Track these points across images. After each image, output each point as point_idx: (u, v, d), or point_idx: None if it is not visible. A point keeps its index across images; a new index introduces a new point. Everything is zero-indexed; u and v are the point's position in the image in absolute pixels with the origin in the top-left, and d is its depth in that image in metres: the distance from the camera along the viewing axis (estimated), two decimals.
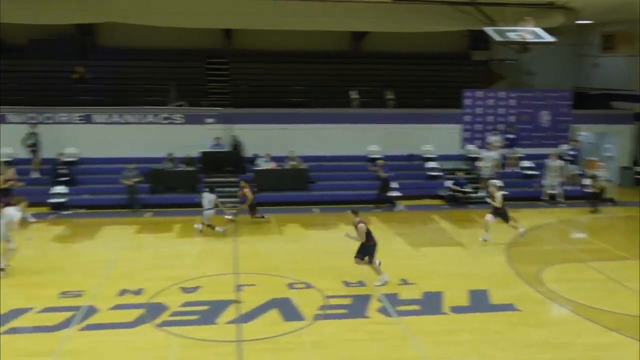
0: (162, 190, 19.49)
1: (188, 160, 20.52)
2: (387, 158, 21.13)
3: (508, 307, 11.04)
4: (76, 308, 10.78)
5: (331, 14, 22.08)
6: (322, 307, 10.98)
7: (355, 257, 12.21)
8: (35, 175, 19.77)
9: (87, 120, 20.83)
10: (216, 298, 11.22)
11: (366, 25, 23.63)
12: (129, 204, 18.80)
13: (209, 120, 21.43)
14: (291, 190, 20.17)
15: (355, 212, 12.28)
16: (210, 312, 10.67)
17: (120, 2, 21.30)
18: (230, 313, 10.66)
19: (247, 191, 17.34)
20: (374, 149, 21.95)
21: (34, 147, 19.64)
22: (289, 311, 10.79)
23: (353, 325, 10.28)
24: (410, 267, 13.48)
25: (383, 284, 12.01)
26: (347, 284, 12.21)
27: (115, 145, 20.56)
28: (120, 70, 24.08)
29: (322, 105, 22.73)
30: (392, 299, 11.39)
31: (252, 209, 17.50)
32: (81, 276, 12.71)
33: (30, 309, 10.75)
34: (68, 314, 10.51)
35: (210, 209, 16.19)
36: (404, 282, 12.34)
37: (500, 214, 15.38)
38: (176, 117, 21.30)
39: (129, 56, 24.48)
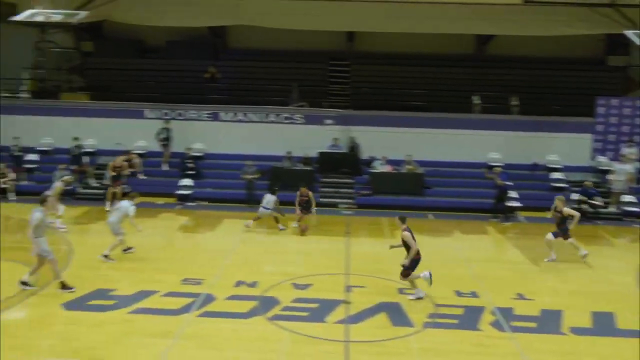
0: (280, 188, 20.05)
1: (306, 160, 21.00)
2: (509, 167, 20.34)
3: (637, 334, 10.17)
4: (196, 295, 11.38)
5: (457, 16, 21.64)
6: (432, 315, 10.77)
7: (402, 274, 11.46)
8: (165, 167, 21.17)
9: (214, 117, 21.98)
10: (326, 297, 11.37)
11: (494, 28, 22.87)
12: (247, 199, 19.57)
13: (328, 121, 21.79)
14: (406, 194, 19.99)
15: (402, 219, 11.67)
16: (319, 310, 10.83)
17: (250, 6, 22.31)
18: (339, 313, 10.75)
19: (311, 194, 17.14)
20: (495, 157, 21.19)
21: (165, 141, 21.02)
22: (398, 316, 10.69)
23: (463, 336, 9.98)
24: (527, 281, 12.87)
25: (416, 299, 11.38)
26: (459, 293, 11.89)
27: (238, 142, 21.49)
28: (247, 70, 25.12)
29: (442, 109, 22.30)
30: (507, 313, 10.93)
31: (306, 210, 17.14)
32: (202, 265, 13.42)
33: (156, 292, 11.50)
34: (188, 300, 11.13)
35: (268, 209, 16.39)
36: (520, 297, 11.80)
37: (563, 230, 14.06)
38: (297, 117, 21.88)
39: (256, 57, 25.47)
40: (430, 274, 11.54)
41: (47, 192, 15.80)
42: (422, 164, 20.88)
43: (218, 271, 13.00)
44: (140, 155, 20.88)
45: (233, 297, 11.37)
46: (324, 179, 20.68)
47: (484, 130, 21.50)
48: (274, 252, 15.02)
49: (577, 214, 14.02)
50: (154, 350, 9.15)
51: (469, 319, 10.65)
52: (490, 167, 20.29)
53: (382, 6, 21.95)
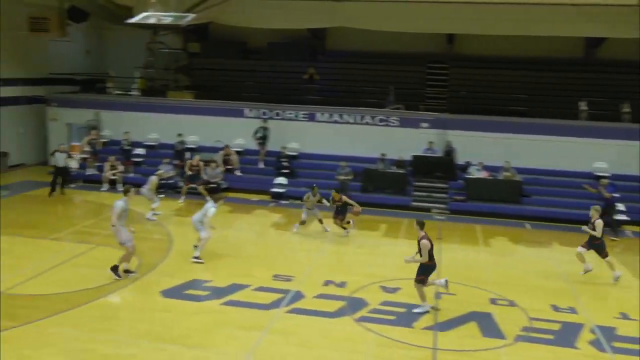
0: (373, 190, 20.03)
1: (400, 163, 20.80)
2: (617, 177, 19.14)
3: None
4: (285, 291, 11.61)
5: (565, 18, 20.64)
6: (526, 329, 10.35)
7: (416, 281, 10.88)
8: (260, 165, 21.71)
9: (310, 118, 22.25)
10: (415, 302, 11.20)
11: (606, 31, 21.55)
12: None
13: (424, 124, 21.46)
14: (503, 202, 19.30)
15: (420, 224, 11.02)
16: (407, 315, 10.71)
17: (349, 9, 22.43)
18: (427, 319, 10.58)
19: (346, 198, 16.44)
20: (601, 167, 19.99)
21: (262, 140, 21.56)
22: (489, 327, 10.36)
23: (558, 353, 9.51)
24: (633, 300, 12.04)
25: (421, 312, 10.77)
26: (555, 308, 11.34)
27: (333, 143, 21.64)
28: (345, 72, 25.23)
29: (545, 115, 21.32)
30: (608, 332, 10.30)
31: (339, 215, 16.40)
32: (292, 262, 13.67)
33: (248, 286, 11.86)
34: (278, 296, 11.37)
35: (309, 209, 16.20)
36: (624, 317, 11.07)
37: (596, 245, 13.09)
38: (392, 119, 21.70)
39: (354, 59, 25.52)
40: (447, 282, 11.18)
41: (144, 187, 16.82)
42: (521, 171, 20.08)
43: (308, 269, 13.18)
44: (237, 152, 21.57)
45: (321, 296, 11.48)
46: (418, 183, 20.40)
47: (591, 138, 20.32)
48: (364, 253, 14.99)
49: (599, 231, 12.96)
50: (244, 342, 9.43)
51: (566, 335, 10.15)
52: (597, 178, 19.16)
53: (484, 8, 21.32)
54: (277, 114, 22.28)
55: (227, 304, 10.97)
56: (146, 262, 13.00)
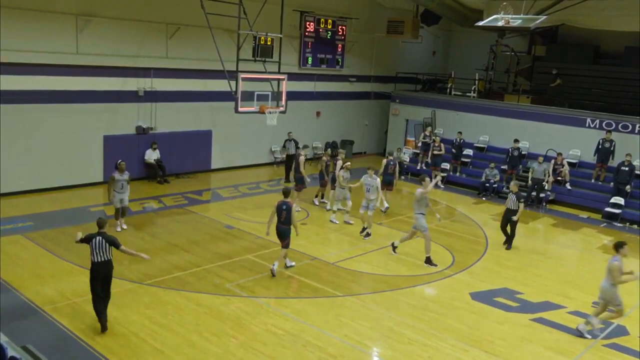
0: None
1: None
2: None
3: None
4: (606, 322, 10.48)
5: None
6: None
7: None
8: (595, 181, 19.80)
9: None
10: None
11: None
12: None
13: None
14: None
15: None
16: None
17: None
18: None
19: None
20: None
21: (600, 152, 19.59)
22: None
23: None
24: None
25: None
26: None
27: None
28: None
29: None
30: None
31: None
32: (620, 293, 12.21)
33: (563, 307, 11.13)
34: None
35: None
36: None
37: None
38: None
39: None
40: None
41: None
42: None
43: (636, 303, 11.65)
44: (571, 164, 20.08)
45: None
46: None
47: None
48: None
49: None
50: None
51: None
52: None
53: None
54: (625, 127, 19.98)
55: (537, 320, 10.47)
56: (460, 261, 13.22)
